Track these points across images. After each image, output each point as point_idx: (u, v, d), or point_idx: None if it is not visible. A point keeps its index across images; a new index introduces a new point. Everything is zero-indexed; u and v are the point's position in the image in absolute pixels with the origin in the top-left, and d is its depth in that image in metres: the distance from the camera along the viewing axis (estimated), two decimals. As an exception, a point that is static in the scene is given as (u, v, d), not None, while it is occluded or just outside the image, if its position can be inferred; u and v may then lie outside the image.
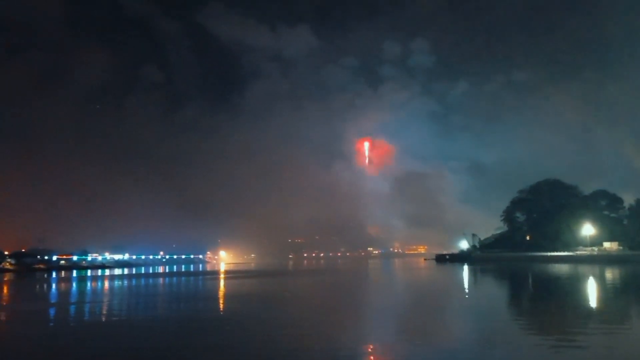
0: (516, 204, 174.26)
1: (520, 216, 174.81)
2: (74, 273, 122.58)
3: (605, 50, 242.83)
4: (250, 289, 60.87)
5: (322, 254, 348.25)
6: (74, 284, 77.39)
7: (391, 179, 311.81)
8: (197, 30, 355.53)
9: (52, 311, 39.83)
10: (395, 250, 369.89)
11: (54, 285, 77.29)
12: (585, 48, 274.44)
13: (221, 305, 41.80)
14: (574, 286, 57.90)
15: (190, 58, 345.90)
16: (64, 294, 59.68)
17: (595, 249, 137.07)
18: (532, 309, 37.62)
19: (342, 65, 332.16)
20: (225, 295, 51.30)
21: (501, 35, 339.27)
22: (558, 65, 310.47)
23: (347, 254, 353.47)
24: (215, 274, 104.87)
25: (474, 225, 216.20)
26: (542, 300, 43.48)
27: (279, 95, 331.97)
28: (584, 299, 43.06)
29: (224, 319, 33.50)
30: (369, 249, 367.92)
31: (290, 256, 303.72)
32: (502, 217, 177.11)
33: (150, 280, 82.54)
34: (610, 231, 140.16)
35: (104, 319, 34.08)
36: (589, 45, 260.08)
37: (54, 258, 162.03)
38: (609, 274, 73.66)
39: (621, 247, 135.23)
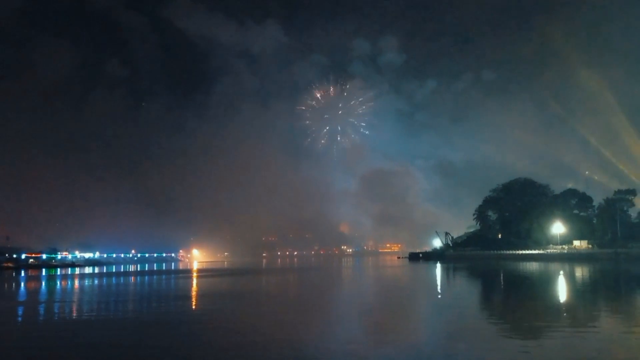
0: (488, 202, 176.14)
1: (492, 215, 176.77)
2: (43, 272, 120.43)
3: (571, 49, 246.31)
4: (221, 287, 60.62)
5: (295, 252, 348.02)
6: (43, 283, 76.05)
7: (359, 177, 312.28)
8: (163, 24, 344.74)
9: (19, 310, 39.03)
10: (369, 249, 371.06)
11: (22, 284, 75.80)
12: (552, 47, 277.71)
13: (189, 304, 41.41)
14: (543, 283, 58.73)
15: (156, 53, 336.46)
16: (32, 293, 58.50)
17: (566, 247, 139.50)
18: (502, 306, 37.96)
19: (310, 63, 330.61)
20: (195, 294, 50.88)
21: (470, 34, 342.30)
22: (525, 64, 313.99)
23: (321, 252, 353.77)
24: (186, 272, 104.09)
25: (443, 223, 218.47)
26: (511, 297, 44.14)
27: (246, 92, 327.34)
28: (551, 295, 43.69)
29: (192, 317, 33.19)
30: (342, 247, 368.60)
31: (263, 254, 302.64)
32: (475, 216, 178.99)
33: (121, 279, 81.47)
34: (579, 230, 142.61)
35: (71, 317, 33.46)
36: (555, 45, 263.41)
37: (23, 256, 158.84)
38: (578, 272, 74.98)
39: (590, 246, 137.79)
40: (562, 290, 48.47)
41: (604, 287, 53.71)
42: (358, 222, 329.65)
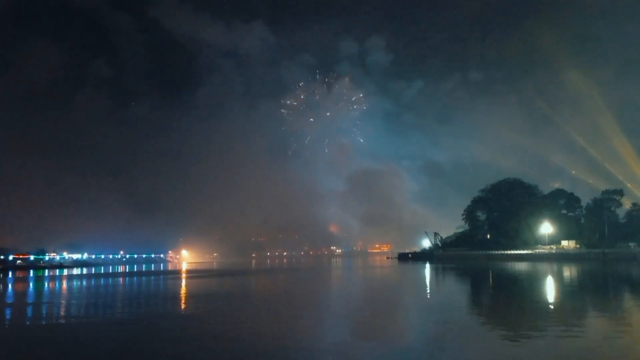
0: (477, 202, 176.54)
1: (481, 215, 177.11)
2: (31, 273, 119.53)
3: (558, 50, 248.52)
4: (210, 288, 60.46)
5: (284, 253, 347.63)
6: (31, 284, 75.48)
7: (347, 177, 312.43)
8: (150, 24, 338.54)
9: (6, 312, 38.65)
10: (358, 249, 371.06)
11: (9, 286, 75.14)
12: (539, 48, 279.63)
13: (175, 306, 41.23)
14: (530, 283, 59.07)
15: (142, 53, 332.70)
16: (19, 294, 58.04)
17: (554, 247, 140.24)
18: (489, 306, 38.10)
19: (298, 63, 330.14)
20: (182, 295, 50.67)
21: (457, 35, 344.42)
22: (512, 64, 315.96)
23: (310, 252, 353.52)
24: (175, 273, 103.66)
25: (432, 223, 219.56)
26: (499, 297, 44.42)
27: (233, 92, 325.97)
28: (538, 296, 43.95)
29: (182, 318, 33.07)
30: (332, 247, 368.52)
31: (253, 255, 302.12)
32: (463, 216, 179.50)
33: (110, 280, 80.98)
34: (567, 230, 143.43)
35: (59, 320, 33.24)
36: (543, 46, 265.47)
37: (10, 258, 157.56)
38: (566, 272, 75.44)
39: (578, 246, 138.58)
40: (549, 291, 48.74)
41: (591, 288, 54.07)
42: (347, 222, 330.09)
